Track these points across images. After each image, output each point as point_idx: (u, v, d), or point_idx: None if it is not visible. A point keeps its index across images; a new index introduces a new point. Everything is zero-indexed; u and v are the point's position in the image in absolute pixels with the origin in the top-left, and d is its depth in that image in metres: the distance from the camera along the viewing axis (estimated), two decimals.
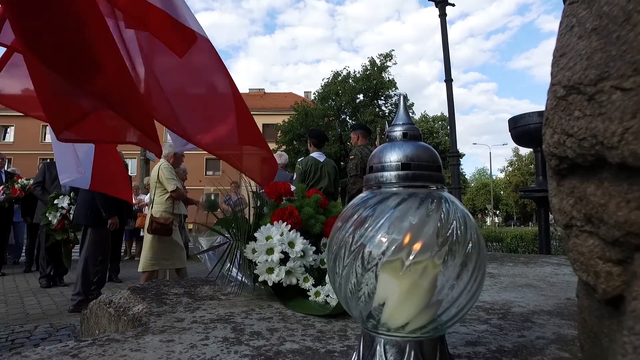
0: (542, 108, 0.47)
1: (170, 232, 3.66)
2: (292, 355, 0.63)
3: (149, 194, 5.69)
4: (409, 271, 0.43)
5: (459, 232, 0.44)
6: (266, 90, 39.37)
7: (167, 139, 3.61)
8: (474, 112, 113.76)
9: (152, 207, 3.74)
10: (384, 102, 23.02)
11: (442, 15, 6.65)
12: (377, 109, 22.29)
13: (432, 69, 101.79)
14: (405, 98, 0.56)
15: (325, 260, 1.00)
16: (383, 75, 21.99)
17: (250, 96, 33.97)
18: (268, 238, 0.98)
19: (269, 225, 1.01)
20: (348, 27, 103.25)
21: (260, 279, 0.97)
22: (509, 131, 3.59)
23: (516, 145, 8.62)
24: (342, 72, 23.10)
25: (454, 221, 0.45)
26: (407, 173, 0.48)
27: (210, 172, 30.35)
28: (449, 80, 6.50)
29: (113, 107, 1.28)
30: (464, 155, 29.51)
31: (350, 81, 22.50)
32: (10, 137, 31.56)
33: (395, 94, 22.26)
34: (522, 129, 3.41)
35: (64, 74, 1.17)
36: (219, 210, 1.18)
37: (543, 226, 3.80)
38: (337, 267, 0.48)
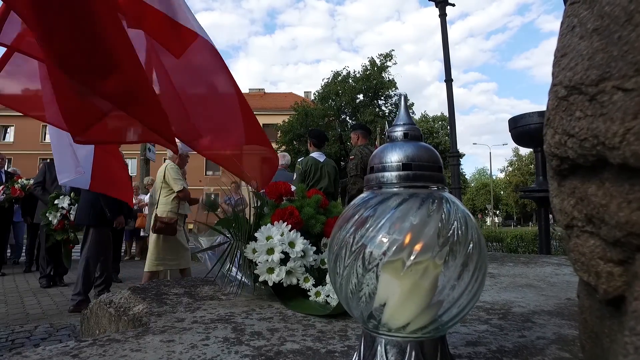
0: (542, 108, 0.47)
1: (174, 232, 3.68)
2: (293, 355, 0.63)
3: (148, 194, 5.69)
4: (410, 271, 0.43)
5: (459, 232, 0.44)
6: (266, 90, 39.42)
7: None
8: (474, 112, 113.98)
9: (157, 207, 3.77)
10: (384, 102, 23.05)
11: (442, 15, 6.66)
12: (377, 109, 22.30)
13: (432, 69, 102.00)
14: (406, 98, 0.56)
15: (325, 260, 1.00)
16: (383, 75, 22.00)
17: (250, 96, 33.91)
18: (268, 238, 0.98)
19: (269, 225, 1.01)
20: (348, 27, 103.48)
21: (261, 279, 0.97)
22: (509, 131, 3.58)
23: (516, 145, 8.61)
24: (342, 72, 23.13)
25: (455, 221, 0.45)
26: (408, 173, 0.48)
27: (210, 172, 30.32)
28: (449, 80, 6.50)
29: (126, 108, 1.25)
30: (464, 155, 29.54)
31: (350, 81, 22.50)
32: (10, 137, 31.56)
33: (395, 94, 22.25)
34: (523, 129, 3.41)
35: (77, 76, 1.16)
36: (219, 210, 1.18)
37: (543, 226, 3.79)
38: (338, 268, 0.48)
